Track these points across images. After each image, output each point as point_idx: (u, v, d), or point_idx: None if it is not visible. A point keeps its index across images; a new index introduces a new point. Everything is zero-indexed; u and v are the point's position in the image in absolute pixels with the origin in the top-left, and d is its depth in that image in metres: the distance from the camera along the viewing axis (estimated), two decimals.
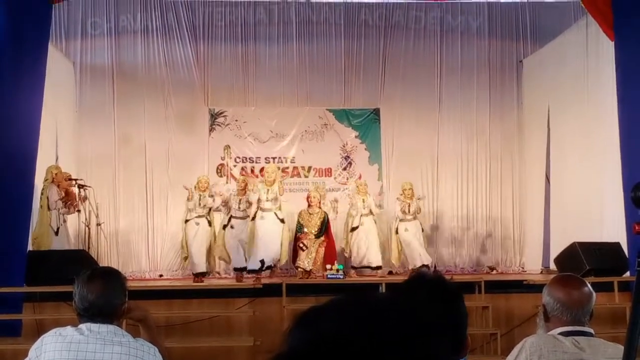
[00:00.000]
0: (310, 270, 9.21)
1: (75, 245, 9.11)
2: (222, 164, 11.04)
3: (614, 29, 8.09)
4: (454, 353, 1.73)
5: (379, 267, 9.79)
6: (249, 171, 10.99)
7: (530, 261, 10.92)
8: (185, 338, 7.03)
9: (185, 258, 9.60)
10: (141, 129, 10.92)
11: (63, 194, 8.57)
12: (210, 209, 9.52)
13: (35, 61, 7.48)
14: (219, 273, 10.19)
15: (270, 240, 9.22)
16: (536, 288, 6.88)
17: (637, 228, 1.93)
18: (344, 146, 11.30)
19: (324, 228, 9.50)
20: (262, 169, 10.53)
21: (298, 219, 9.62)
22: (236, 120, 11.14)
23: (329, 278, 8.70)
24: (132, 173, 10.86)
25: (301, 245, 9.36)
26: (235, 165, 11.07)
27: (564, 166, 9.94)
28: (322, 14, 11.34)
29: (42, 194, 8.37)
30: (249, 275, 9.19)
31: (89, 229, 9.19)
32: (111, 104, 10.87)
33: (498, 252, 11.25)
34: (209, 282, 9.19)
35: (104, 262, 9.77)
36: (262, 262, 9.11)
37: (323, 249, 9.38)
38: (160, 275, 10.58)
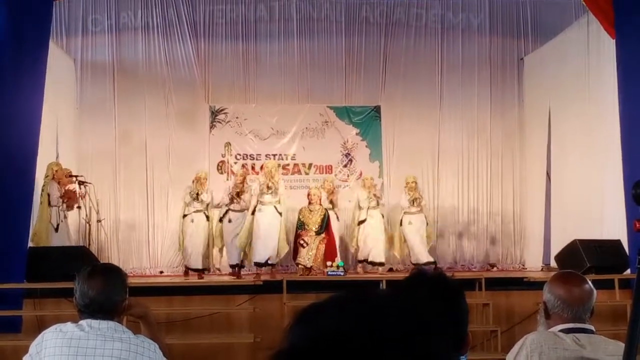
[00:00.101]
0: (311, 267, 9.21)
1: (75, 242, 9.12)
2: (222, 161, 11.05)
3: (615, 26, 8.07)
4: (454, 350, 1.73)
5: (381, 264, 9.79)
6: (249, 168, 10.99)
7: (531, 258, 10.92)
8: (186, 334, 7.02)
9: (181, 252, 9.63)
10: (142, 126, 10.92)
11: (63, 192, 8.57)
12: (207, 205, 9.51)
13: (36, 59, 7.46)
14: (219, 270, 10.19)
15: (270, 234, 9.20)
16: (537, 285, 6.89)
17: (637, 225, 1.93)
18: (344, 143, 11.29)
19: (325, 225, 9.50)
20: (262, 166, 10.53)
21: (299, 216, 9.62)
22: (237, 118, 11.13)
23: (330, 275, 8.69)
24: (132, 170, 10.86)
25: (302, 242, 9.37)
26: (235, 162, 11.06)
27: (565, 164, 9.94)
28: (323, 11, 11.33)
29: (42, 190, 8.36)
30: (248, 272, 9.17)
31: (89, 225, 9.20)
32: (112, 101, 10.87)
33: (499, 250, 11.26)
34: (209, 279, 9.18)
35: (104, 259, 9.78)
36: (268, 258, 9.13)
37: (323, 245, 9.38)
38: (161, 272, 10.60)
